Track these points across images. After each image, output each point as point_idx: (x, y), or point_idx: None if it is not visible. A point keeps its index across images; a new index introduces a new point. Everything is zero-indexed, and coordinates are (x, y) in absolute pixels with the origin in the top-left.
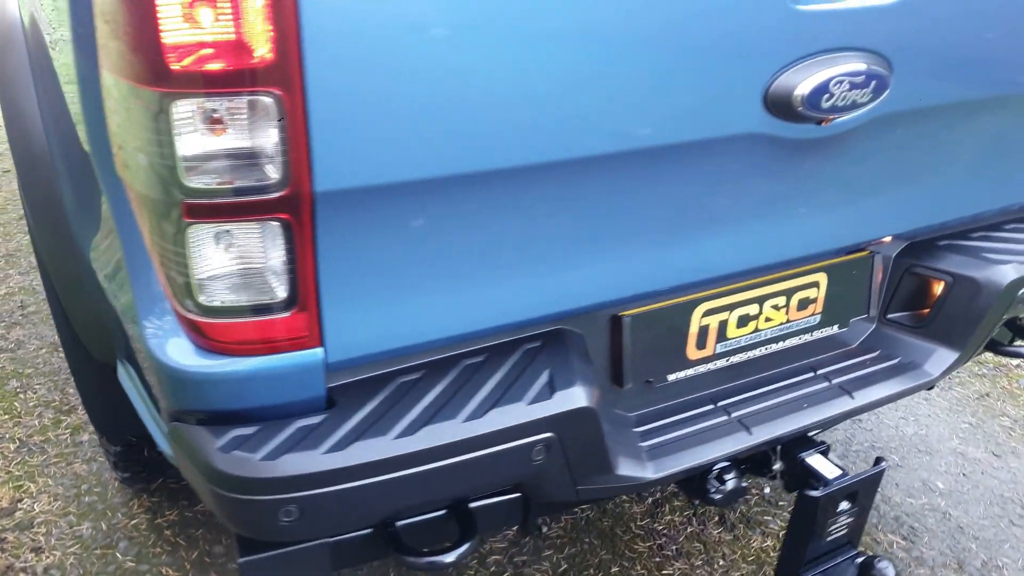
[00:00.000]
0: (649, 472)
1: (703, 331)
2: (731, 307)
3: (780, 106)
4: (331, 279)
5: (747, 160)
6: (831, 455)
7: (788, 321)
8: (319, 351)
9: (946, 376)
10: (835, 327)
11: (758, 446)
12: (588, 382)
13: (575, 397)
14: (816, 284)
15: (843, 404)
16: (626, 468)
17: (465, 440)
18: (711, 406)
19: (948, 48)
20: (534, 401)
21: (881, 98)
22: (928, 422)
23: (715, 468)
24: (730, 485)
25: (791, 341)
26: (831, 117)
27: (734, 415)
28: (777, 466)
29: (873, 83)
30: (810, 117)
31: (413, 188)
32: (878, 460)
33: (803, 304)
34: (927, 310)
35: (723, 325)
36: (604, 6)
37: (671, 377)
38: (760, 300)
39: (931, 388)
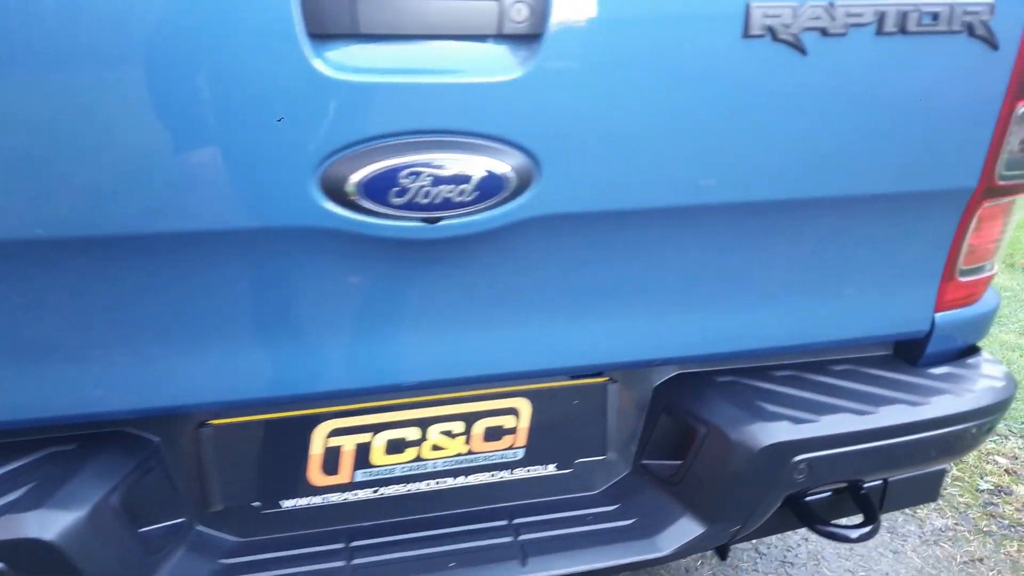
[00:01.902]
0: None
1: (332, 453)
2: (374, 428)
3: (341, 197)
4: None
5: (350, 259)
6: None
7: (471, 453)
8: None
9: (686, 555)
10: (551, 467)
11: None
12: (64, 506)
13: (24, 525)
14: (514, 411)
15: (506, 571)
16: None
17: None
18: (338, 545)
19: (629, 137)
20: None
21: (524, 197)
22: None
23: None
24: None
25: (481, 477)
26: (437, 216)
27: (355, 562)
28: None
29: (499, 178)
30: (398, 215)
31: None
32: None
33: (494, 434)
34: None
35: (364, 448)
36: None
37: (287, 504)
38: (422, 423)
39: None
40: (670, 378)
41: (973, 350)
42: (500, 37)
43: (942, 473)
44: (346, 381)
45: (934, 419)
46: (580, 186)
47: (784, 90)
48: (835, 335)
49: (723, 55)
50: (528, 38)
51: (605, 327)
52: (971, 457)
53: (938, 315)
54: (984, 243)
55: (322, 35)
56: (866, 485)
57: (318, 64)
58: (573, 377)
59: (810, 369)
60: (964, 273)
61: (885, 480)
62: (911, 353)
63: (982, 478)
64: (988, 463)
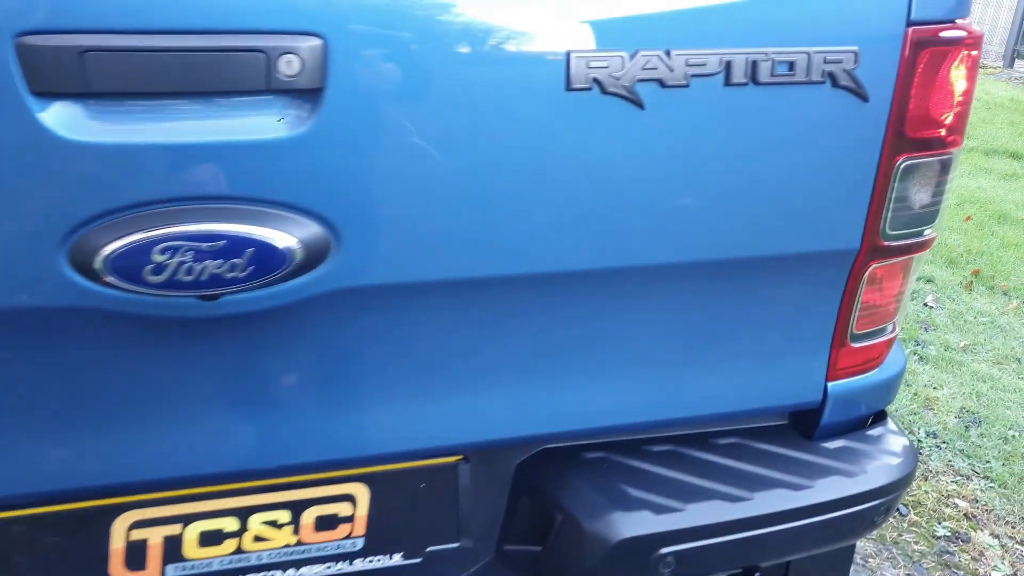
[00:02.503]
0: None
1: (136, 547)
2: (183, 519)
3: (93, 274)
4: None
5: (129, 339)
6: None
7: (300, 544)
8: None
9: None
10: (398, 557)
11: None
12: None
13: None
14: (350, 497)
15: None
16: None
17: None
18: None
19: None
20: None
21: (322, 268)
22: None
23: None
24: None
25: (315, 569)
26: (216, 292)
27: None
28: None
29: (279, 250)
30: (160, 293)
31: None
32: None
33: (327, 523)
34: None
35: (174, 541)
36: None
37: None
38: (241, 513)
39: None
40: (535, 454)
41: (880, 417)
42: (273, 92)
43: (850, 550)
44: (141, 472)
45: (816, 505)
46: (396, 255)
47: (622, 148)
48: (716, 408)
49: (544, 109)
50: (308, 92)
51: (450, 405)
52: (930, 499)
53: (831, 384)
54: (882, 303)
55: (51, 93)
56: (764, 566)
57: (49, 125)
58: (419, 457)
59: (693, 443)
60: (858, 338)
61: (786, 563)
62: (805, 425)
63: (940, 523)
64: (948, 506)
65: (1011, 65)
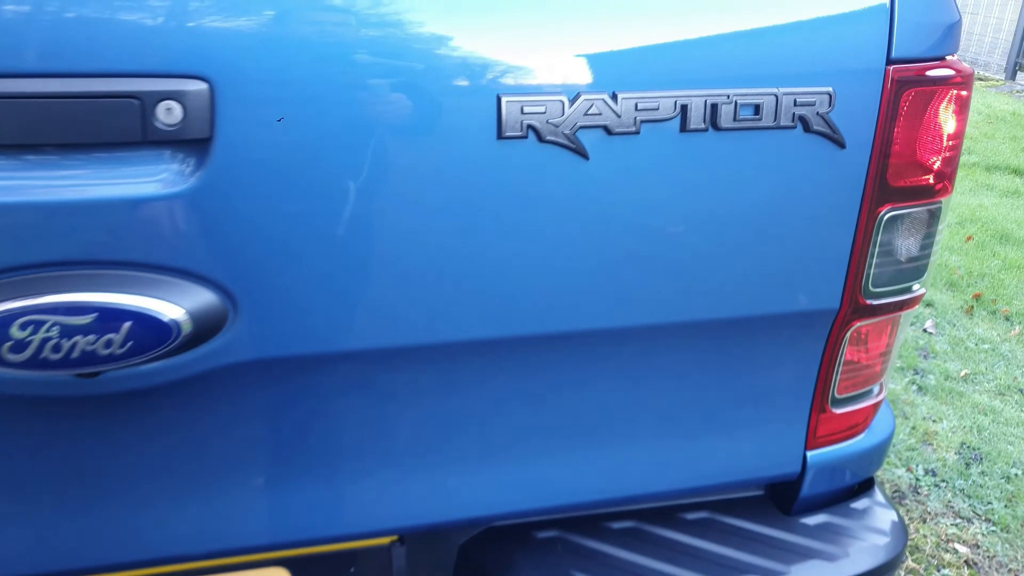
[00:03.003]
0: None
1: None
2: None
3: None
4: None
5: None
6: None
7: None
8: None
9: None
10: None
11: None
12: None
13: None
14: None
15: None
16: None
17: None
18: None
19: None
20: None
21: (220, 338)
22: None
23: None
24: None
25: None
26: (94, 371)
27: None
28: None
29: (162, 322)
30: (26, 370)
31: None
32: None
33: None
34: None
35: None
36: None
37: None
38: None
39: None
40: (480, 534)
41: (865, 486)
42: (151, 144)
43: None
44: (28, 565)
45: None
46: (303, 323)
47: (564, 204)
48: (681, 483)
49: (471, 161)
50: (193, 143)
51: (378, 485)
52: (929, 544)
53: (810, 453)
54: (866, 363)
55: None
56: None
57: None
58: (346, 540)
59: (658, 519)
60: (840, 403)
61: None
62: (783, 498)
63: (939, 570)
64: (947, 551)
65: (1012, 78)
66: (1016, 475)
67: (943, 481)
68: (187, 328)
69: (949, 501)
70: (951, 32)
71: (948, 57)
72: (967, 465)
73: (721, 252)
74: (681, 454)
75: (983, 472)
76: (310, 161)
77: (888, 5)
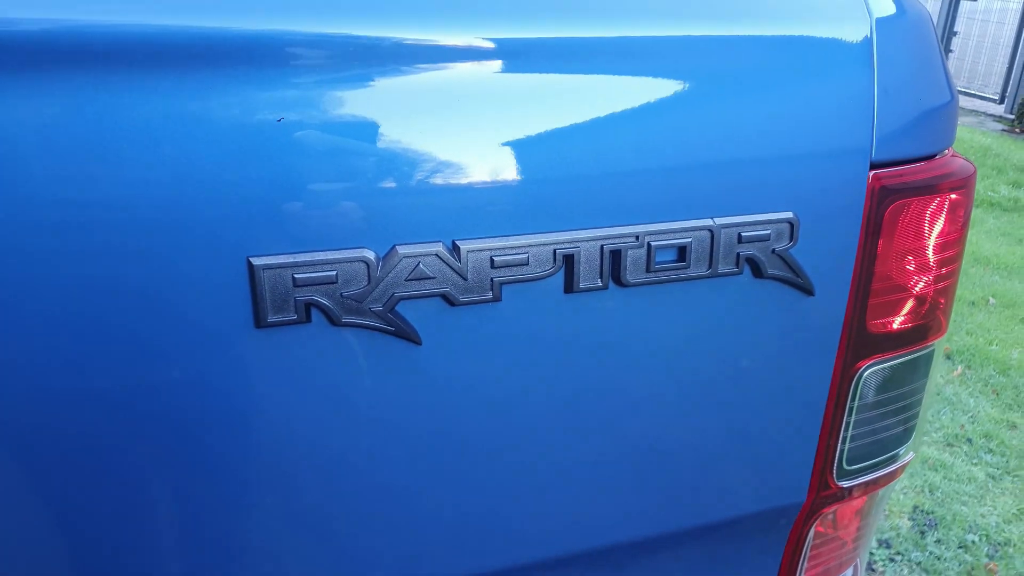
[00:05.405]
0: None
1: None
2: None
3: None
4: None
5: None
6: None
7: None
8: None
9: None
10: None
11: None
12: None
13: None
14: None
15: None
16: None
17: None
18: None
19: None
20: None
21: None
22: None
23: None
24: None
25: None
26: None
27: None
28: None
29: None
30: None
31: None
32: None
33: None
34: None
35: None
36: None
37: None
38: None
39: None
40: None
41: None
42: None
43: None
44: None
45: None
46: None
47: (389, 412)
48: None
49: (219, 362)
50: None
51: None
52: None
53: None
54: (835, 556)
55: None
56: None
57: None
58: None
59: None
60: None
61: None
62: None
63: None
64: None
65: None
66: (972, 542)
67: (898, 554)
68: None
69: None
70: (945, 117)
71: (943, 153)
72: (922, 533)
73: (634, 456)
74: None
75: (938, 540)
76: None
77: (872, 85)
